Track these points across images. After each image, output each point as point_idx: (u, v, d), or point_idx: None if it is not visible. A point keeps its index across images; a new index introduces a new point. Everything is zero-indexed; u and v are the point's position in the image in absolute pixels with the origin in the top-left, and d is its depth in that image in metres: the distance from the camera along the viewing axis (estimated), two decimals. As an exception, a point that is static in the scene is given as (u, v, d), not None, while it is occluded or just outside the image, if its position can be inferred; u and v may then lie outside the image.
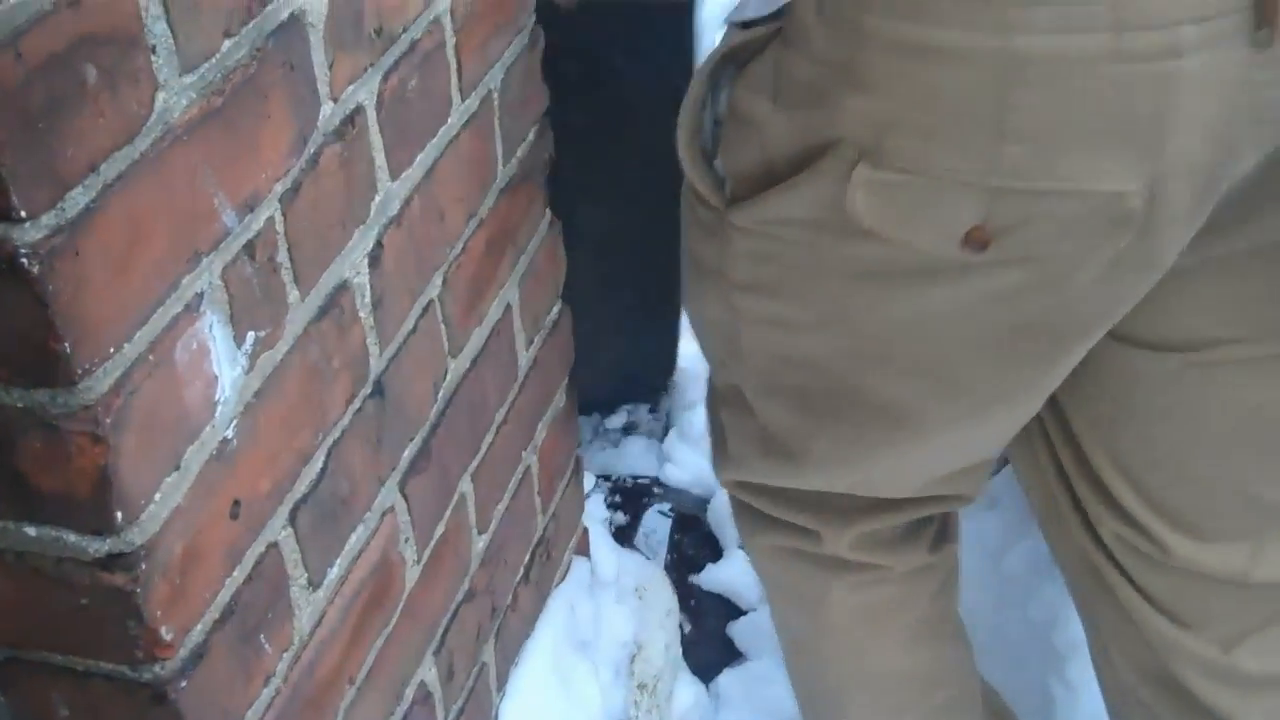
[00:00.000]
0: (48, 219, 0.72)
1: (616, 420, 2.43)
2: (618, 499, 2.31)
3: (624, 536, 2.22)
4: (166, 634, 0.88)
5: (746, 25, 1.16)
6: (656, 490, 2.34)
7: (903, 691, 1.60)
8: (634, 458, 2.37)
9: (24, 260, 0.72)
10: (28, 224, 0.71)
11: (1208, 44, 0.99)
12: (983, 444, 1.36)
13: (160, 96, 0.79)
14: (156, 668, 0.89)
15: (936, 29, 1.02)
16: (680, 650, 1.84)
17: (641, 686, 1.69)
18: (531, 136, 1.33)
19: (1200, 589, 1.35)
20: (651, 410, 2.49)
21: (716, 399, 1.42)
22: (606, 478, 2.32)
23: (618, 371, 2.36)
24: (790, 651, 1.66)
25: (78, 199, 0.74)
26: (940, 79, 1.04)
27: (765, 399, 1.32)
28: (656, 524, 2.28)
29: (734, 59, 1.18)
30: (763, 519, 1.48)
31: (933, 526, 1.50)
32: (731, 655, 2.13)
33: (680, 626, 2.02)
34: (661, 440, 2.42)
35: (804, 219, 1.15)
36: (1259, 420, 1.27)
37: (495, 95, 1.23)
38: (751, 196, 1.17)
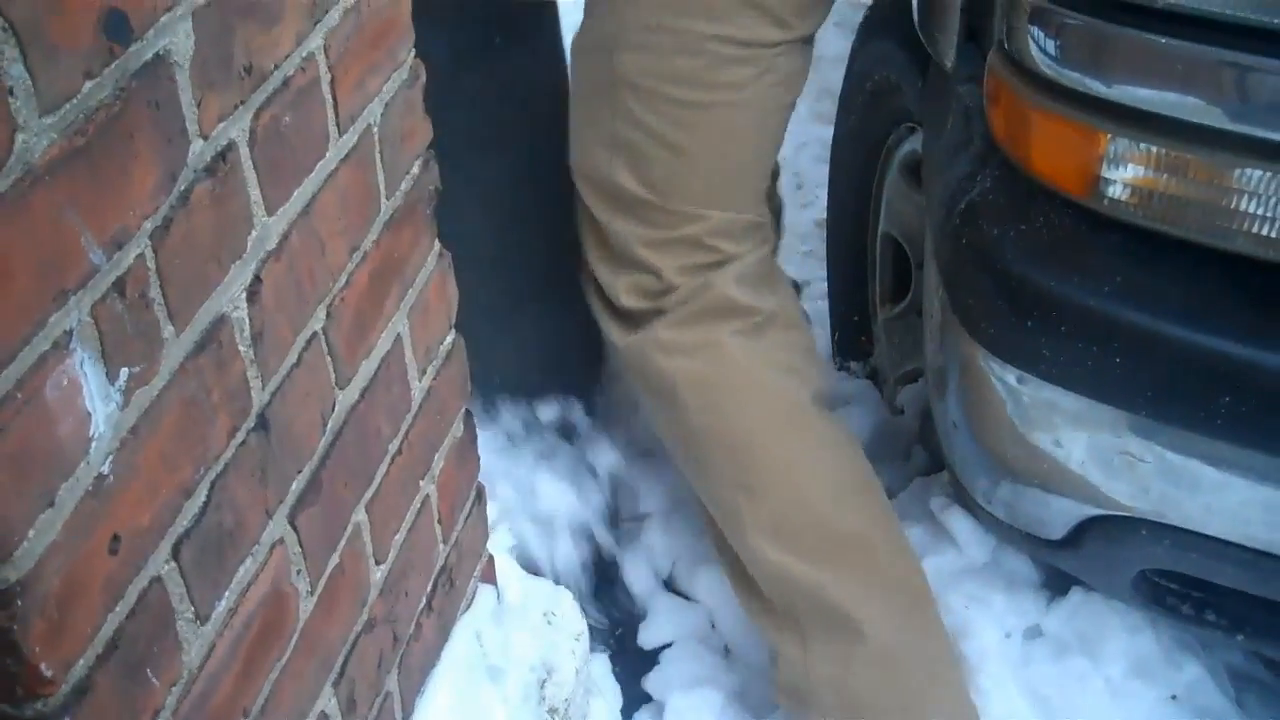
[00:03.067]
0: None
1: (549, 412, 2.39)
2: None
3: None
4: (47, 670, 0.88)
5: None
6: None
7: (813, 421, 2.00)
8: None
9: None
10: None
11: None
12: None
13: (19, 138, 0.80)
14: (39, 704, 0.89)
15: None
16: (590, 673, 1.85)
17: (553, 711, 1.70)
18: (415, 170, 1.34)
19: None
20: (587, 410, 2.46)
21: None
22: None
23: (542, 354, 2.37)
24: (701, 437, 1.96)
25: (-65, 240, 0.75)
26: None
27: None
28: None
29: None
30: (656, 311, 1.93)
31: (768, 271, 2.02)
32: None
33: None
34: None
35: None
36: None
37: (375, 130, 1.24)
38: None
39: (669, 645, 2.25)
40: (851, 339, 2.73)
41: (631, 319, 1.97)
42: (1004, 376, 1.75)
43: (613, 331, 2.00)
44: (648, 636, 2.26)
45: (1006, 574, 2.10)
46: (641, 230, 1.92)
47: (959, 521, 2.11)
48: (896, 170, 2.42)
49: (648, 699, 2.18)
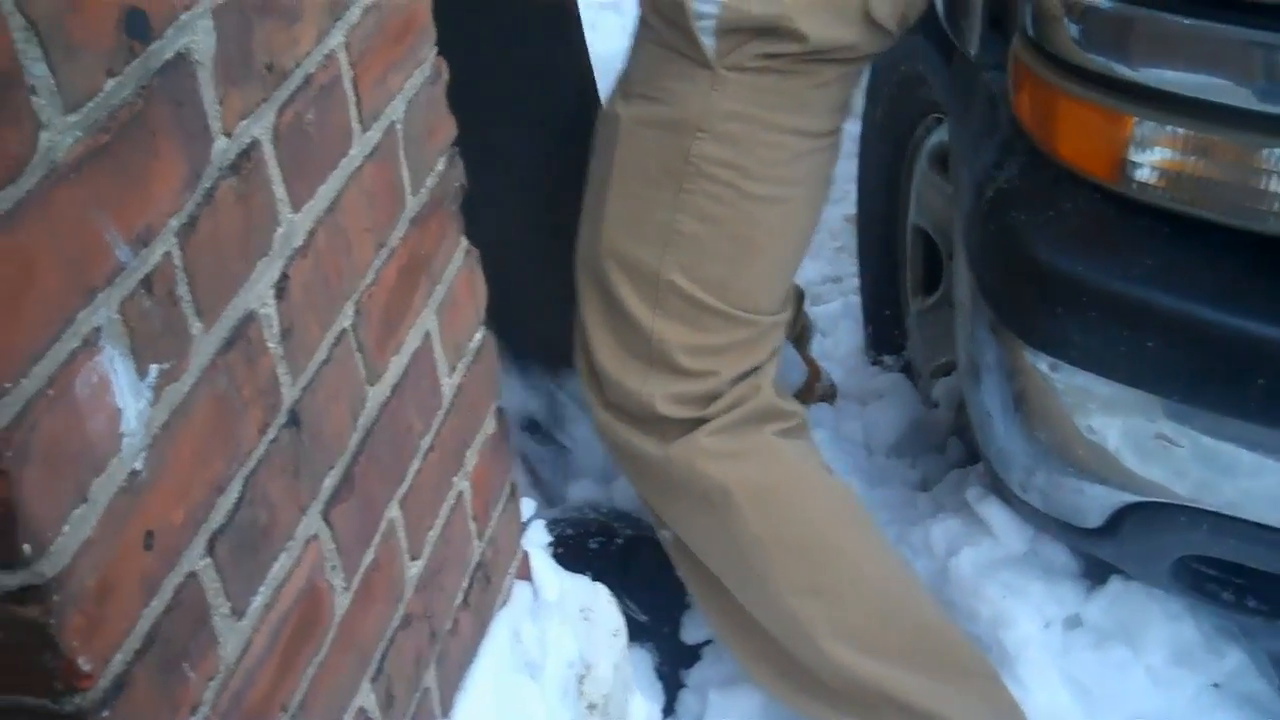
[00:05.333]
0: (-67, 258, 0.74)
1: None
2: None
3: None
4: (85, 665, 0.89)
5: None
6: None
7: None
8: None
9: (-89, 298, 0.74)
10: (-88, 263, 0.73)
11: None
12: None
13: (43, 136, 0.81)
14: (78, 699, 0.90)
15: None
16: (630, 669, 1.86)
17: (592, 706, 1.70)
18: (441, 166, 1.35)
19: None
20: None
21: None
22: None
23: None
24: (765, 544, 1.87)
25: (-37, 238, 0.76)
26: None
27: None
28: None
29: None
30: (699, 419, 1.85)
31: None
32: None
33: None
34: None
35: None
36: None
37: (399, 127, 1.25)
38: None
39: (710, 641, 2.25)
40: (885, 333, 2.73)
41: (666, 427, 1.87)
42: (1036, 364, 1.75)
43: (640, 442, 1.89)
44: (689, 632, 2.26)
45: (1045, 563, 2.09)
46: (691, 335, 1.83)
47: (996, 512, 2.10)
48: (925, 161, 2.42)
49: (689, 695, 2.18)
